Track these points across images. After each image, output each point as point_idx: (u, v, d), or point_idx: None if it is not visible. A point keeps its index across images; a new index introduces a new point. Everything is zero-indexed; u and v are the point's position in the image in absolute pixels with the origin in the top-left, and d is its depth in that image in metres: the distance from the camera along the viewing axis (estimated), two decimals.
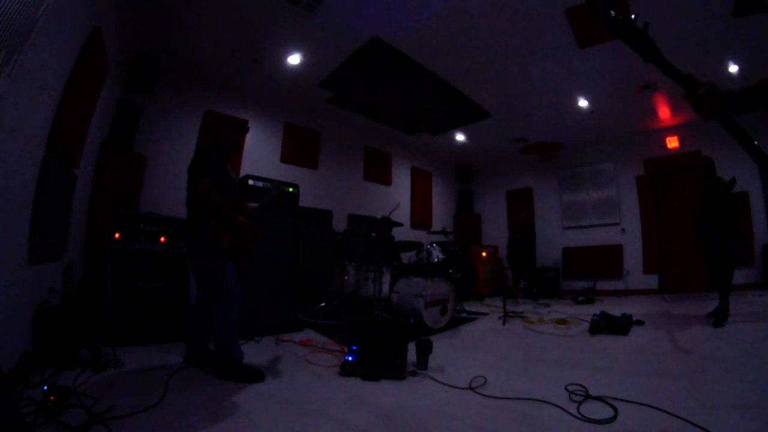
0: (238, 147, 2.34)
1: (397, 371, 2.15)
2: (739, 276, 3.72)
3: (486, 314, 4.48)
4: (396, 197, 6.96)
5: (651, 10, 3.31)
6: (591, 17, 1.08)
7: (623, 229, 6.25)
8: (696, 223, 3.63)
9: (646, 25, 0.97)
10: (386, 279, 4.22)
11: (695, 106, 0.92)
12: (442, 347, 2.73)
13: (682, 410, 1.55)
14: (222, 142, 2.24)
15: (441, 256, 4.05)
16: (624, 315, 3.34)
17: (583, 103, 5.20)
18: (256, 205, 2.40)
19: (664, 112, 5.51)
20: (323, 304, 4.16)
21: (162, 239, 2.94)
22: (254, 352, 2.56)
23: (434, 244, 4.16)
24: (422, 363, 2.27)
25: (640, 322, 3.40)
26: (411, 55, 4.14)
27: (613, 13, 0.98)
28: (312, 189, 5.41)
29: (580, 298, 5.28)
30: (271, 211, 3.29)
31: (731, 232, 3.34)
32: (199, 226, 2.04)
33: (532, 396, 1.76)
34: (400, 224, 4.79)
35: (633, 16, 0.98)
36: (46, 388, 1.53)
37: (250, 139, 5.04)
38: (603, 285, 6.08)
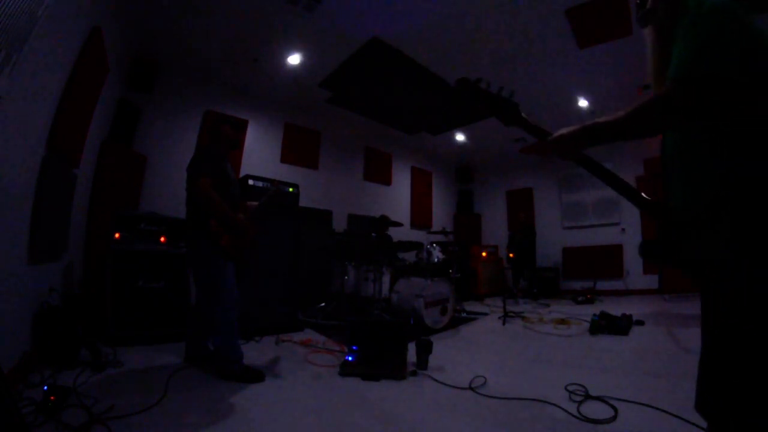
0: (237, 145, 2.35)
1: (397, 371, 2.15)
2: None
3: (486, 314, 4.48)
4: (396, 197, 6.97)
5: None
6: (459, 91, 1.19)
7: (623, 229, 6.25)
8: None
9: (511, 93, 1.15)
10: (386, 279, 4.23)
11: (552, 150, 1.07)
12: (442, 347, 2.73)
13: (683, 410, 1.55)
14: (221, 140, 2.24)
15: (441, 256, 4.06)
16: (624, 315, 3.34)
17: (583, 103, 5.20)
18: (255, 204, 2.41)
19: None
20: (323, 304, 4.16)
21: (162, 239, 2.93)
22: (254, 352, 2.56)
23: (434, 244, 4.16)
24: (422, 363, 2.27)
25: (640, 322, 3.40)
26: (411, 55, 4.14)
27: (482, 85, 1.14)
28: (312, 189, 5.41)
29: (580, 298, 5.28)
30: (271, 212, 3.29)
31: None
32: (198, 226, 2.04)
33: (532, 396, 1.76)
34: (399, 224, 4.79)
35: (500, 88, 1.16)
36: (46, 388, 1.53)
37: (250, 139, 5.04)
38: (603, 285, 6.07)
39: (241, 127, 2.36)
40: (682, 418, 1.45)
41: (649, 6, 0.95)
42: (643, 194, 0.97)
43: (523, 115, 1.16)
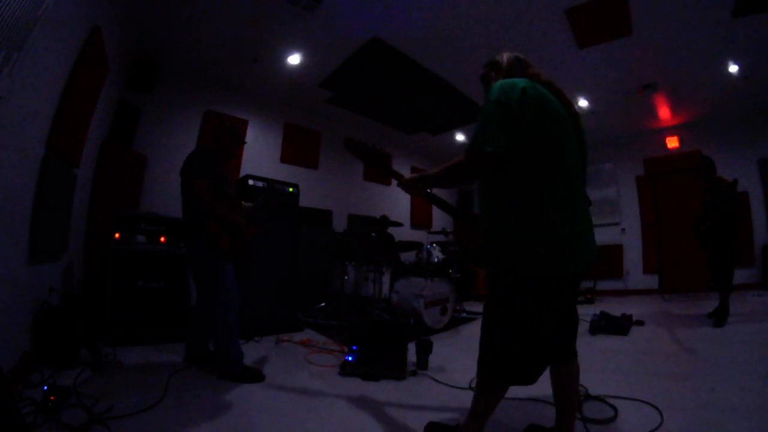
0: (233, 156, 2.35)
1: (397, 371, 2.14)
2: (739, 276, 3.71)
3: None
4: (396, 197, 6.96)
5: (651, 10, 3.32)
6: (348, 150, 1.60)
7: (623, 229, 6.25)
8: (695, 224, 3.61)
9: (383, 147, 1.64)
10: (386, 279, 4.22)
11: (404, 189, 1.46)
12: (442, 347, 2.73)
13: (683, 410, 1.56)
14: (220, 147, 2.24)
15: (441, 256, 4.05)
16: (624, 315, 3.34)
17: (583, 103, 5.20)
18: (251, 205, 2.41)
19: (664, 112, 5.51)
20: (323, 304, 4.16)
21: (162, 239, 2.93)
22: (254, 352, 2.56)
23: (434, 244, 4.16)
24: (422, 363, 2.27)
25: (640, 322, 3.40)
26: (411, 55, 4.14)
27: (369, 144, 1.58)
28: (312, 189, 5.41)
29: (580, 298, 5.28)
30: (271, 211, 3.29)
31: (734, 233, 3.32)
32: (196, 227, 2.04)
33: (532, 396, 1.75)
34: (399, 224, 4.79)
35: (373, 144, 1.60)
36: (46, 388, 1.53)
37: (250, 139, 5.04)
38: (603, 285, 6.07)
39: (243, 139, 2.38)
40: (681, 418, 1.44)
41: (484, 72, 1.46)
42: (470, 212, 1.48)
43: (386, 163, 1.63)
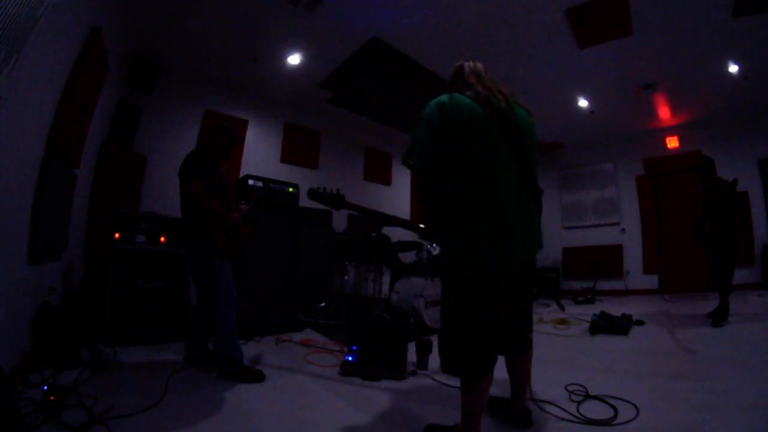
0: (228, 156, 2.35)
1: (397, 371, 2.14)
2: (739, 276, 3.71)
3: None
4: (396, 197, 6.97)
5: (651, 10, 3.32)
6: (310, 197, 1.87)
7: (623, 229, 6.25)
8: (696, 226, 3.60)
9: (337, 190, 1.88)
10: (386, 279, 4.22)
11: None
12: None
13: (683, 410, 1.56)
14: (214, 148, 2.25)
15: None
16: (624, 315, 3.34)
17: (583, 103, 5.20)
18: (247, 207, 2.41)
19: (664, 112, 5.50)
20: (323, 304, 4.16)
21: (162, 239, 2.93)
22: (254, 352, 2.56)
23: (434, 244, 4.15)
24: (422, 363, 2.27)
25: (640, 322, 3.40)
26: (411, 55, 4.14)
27: (320, 189, 1.85)
28: None
29: (580, 298, 5.28)
30: (271, 211, 3.29)
31: (734, 233, 3.32)
32: (194, 228, 2.05)
33: (532, 396, 1.76)
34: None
35: (336, 189, 1.88)
36: (46, 388, 1.52)
37: (250, 138, 5.04)
38: (603, 285, 6.08)
39: (239, 138, 2.38)
40: (682, 418, 1.44)
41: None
42: (417, 224, 1.71)
43: (348, 201, 1.86)
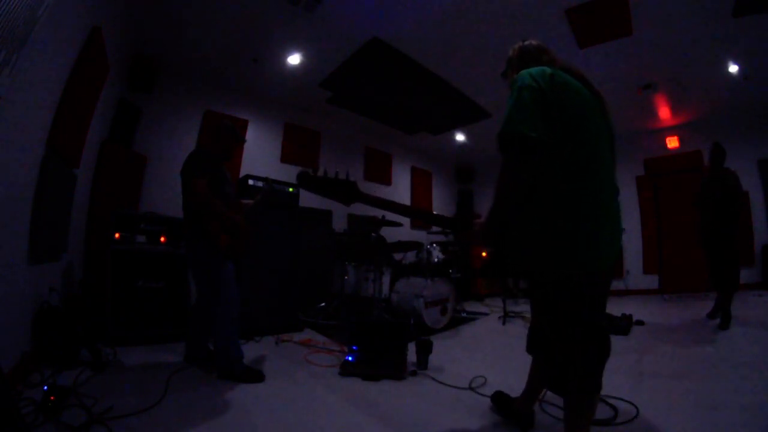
0: (231, 156, 2.35)
1: (397, 371, 2.15)
2: (740, 276, 3.70)
3: (486, 314, 4.48)
4: (396, 197, 6.97)
5: (651, 10, 3.32)
6: (300, 186, 1.34)
7: (623, 229, 6.23)
8: (701, 230, 3.46)
9: (347, 174, 1.36)
10: (386, 279, 4.22)
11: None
12: (442, 347, 2.73)
13: (684, 410, 1.56)
14: (218, 147, 2.24)
15: (441, 256, 4.05)
16: (624, 315, 3.34)
17: None
18: (250, 202, 2.42)
19: (664, 112, 5.51)
20: (323, 304, 4.16)
21: (162, 239, 2.93)
22: (254, 352, 2.56)
23: (434, 244, 4.16)
24: (422, 363, 2.27)
25: (640, 322, 3.40)
26: (411, 55, 4.14)
27: (320, 173, 1.33)
28: None
29: None
30: (271, 211, 3.29)
31: (737, 229, 3.24)
32: (196, 227, 2.04)
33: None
34: (399, 224, 4.78)
35: (336, 172, 1.35)
36: (46, 388, 1.52)
37: (250, 138, 5.04)
38: None
39: (242, 138, 2.38)
40: (681, 418, 1.44)
41: (505, 70, 1.36)
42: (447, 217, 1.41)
43: (361, 191, 1.32)
